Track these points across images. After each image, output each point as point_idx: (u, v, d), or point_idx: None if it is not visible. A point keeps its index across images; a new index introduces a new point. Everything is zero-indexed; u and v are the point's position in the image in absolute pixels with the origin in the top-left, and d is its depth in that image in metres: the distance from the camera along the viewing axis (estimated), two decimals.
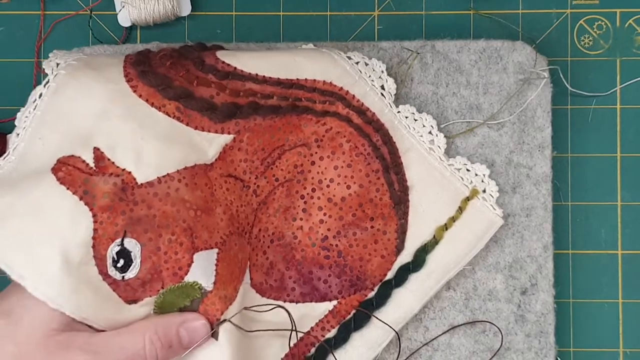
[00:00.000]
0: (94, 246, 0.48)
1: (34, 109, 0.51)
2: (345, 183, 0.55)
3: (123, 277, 0.49)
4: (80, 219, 0.48)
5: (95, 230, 0.48)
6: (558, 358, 0.58)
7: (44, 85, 0.51)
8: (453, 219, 0.56)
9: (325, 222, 0.55)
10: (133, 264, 0.49)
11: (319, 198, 0.55)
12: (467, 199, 0.56)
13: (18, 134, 0.51)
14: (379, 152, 0.55)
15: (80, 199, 0.48)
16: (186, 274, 0.50)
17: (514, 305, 0.57)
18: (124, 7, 0.59)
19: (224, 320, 0.51)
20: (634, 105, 0.60)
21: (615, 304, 0.59)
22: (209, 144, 0.52)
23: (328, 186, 0.55)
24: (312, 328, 0.55)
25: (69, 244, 0.47)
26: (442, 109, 0.58)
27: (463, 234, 0.56)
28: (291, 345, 0.54)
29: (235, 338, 0.52)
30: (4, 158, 0.51)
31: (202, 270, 0.50)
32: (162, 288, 0.50)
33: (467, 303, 0.57)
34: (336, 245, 0.55)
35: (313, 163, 0.55)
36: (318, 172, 0.55)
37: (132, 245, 0.49)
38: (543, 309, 0.57)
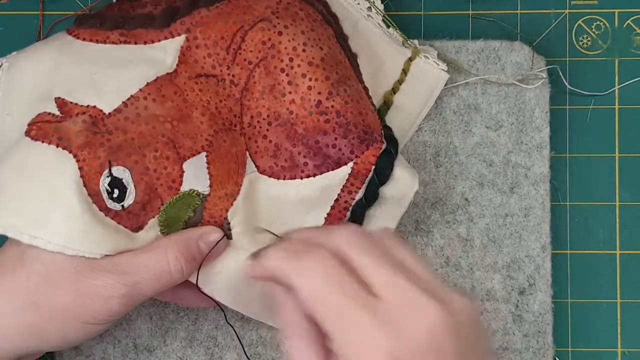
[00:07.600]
0: (84, 184, 0.49)
1: None
2: (317, 45, 0.52)
3: (123, 206, 0.50)
4: (63, 164, 0.49)
5: (80, 168, 0.49)
6: (556, 358, 0.58)
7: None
8: (399, 82, 0.57)
9: (314, 86, 0.52)
10: (128, 190, 0.50)
11: (299, 65, 0.52)
12: (410, 59, 0.57)
13: None
14: (327, 19, 0.54)
15: (57, 146, 0.49)
16: (180, 185, 0.51)
17: (512, 305, 0.57)
18: None
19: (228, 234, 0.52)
20: (632, 105, 0.60)
21: (614, 304, 0.59)
22: (164, 52, 0.52)
23: (304, 50, 0.52)
24: (339, 195, 0.54)
25: (62, 190, 0.48)
26: (441, 109, 0.58)
27: (412, 94, 0.57)
28: (327, 214, 0.54)
29: (248, 237, 0.53)
30: None
31: (195, 177, 0.51)
32: (162, 205, 0.51)
33: None
34: (332, 107, 0.52)
35: (280, 33, 0.52)
36: (289, 40, 0.52)
37: (120, 172, 0.49)
38: (541, 309, 0.57)
